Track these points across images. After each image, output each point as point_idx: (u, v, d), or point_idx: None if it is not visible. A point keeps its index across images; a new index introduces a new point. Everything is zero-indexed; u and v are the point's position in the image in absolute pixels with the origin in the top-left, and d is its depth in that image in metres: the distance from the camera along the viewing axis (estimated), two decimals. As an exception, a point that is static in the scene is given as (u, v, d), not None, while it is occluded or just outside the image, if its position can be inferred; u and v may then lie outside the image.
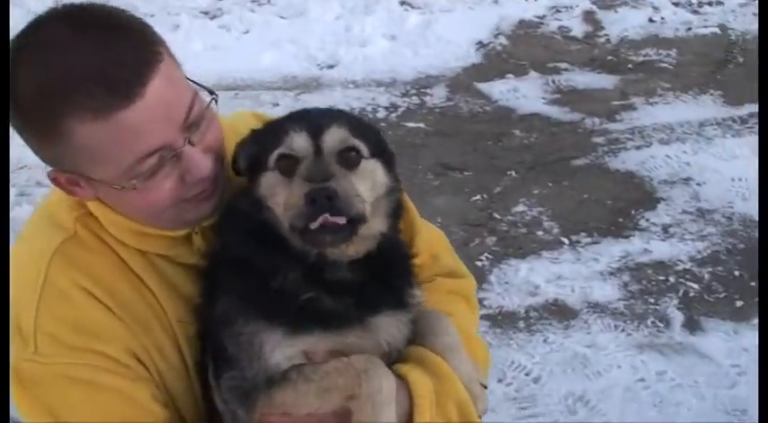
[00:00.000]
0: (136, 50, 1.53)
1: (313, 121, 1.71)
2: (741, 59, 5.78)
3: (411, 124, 5.12)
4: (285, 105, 5.32)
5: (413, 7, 6.41)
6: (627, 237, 4.07)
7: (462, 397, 1.75)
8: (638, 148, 4.80)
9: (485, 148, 4.85)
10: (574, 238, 4.08)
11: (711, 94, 5.38)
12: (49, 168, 1.63)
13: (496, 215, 4.28)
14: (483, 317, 3.64)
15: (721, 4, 6.58)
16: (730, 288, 3.76)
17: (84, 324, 1.66)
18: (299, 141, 1.66)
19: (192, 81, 1.67)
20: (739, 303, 3.66)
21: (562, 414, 3.22)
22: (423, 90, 5.50)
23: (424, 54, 5.88)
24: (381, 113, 5.25)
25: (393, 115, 5.24)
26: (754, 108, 5.00)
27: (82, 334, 1.65)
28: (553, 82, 5.54)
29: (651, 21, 6.33)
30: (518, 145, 4.87)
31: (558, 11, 6.46)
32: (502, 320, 3.63)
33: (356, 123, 1.77)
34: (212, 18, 6.52)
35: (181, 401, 1.78)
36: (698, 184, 4.45)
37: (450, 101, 5.36)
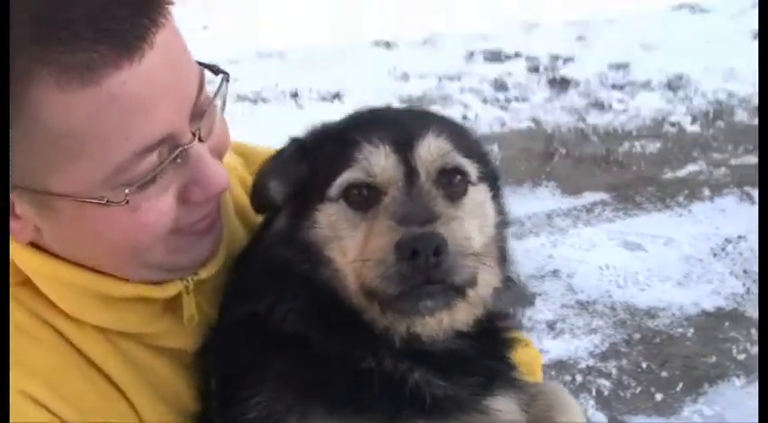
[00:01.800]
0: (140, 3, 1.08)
1: (398, 127, 1.24)
2: (563, 150, 5.74)
3: None
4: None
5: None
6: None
7: None
8: (496, 246, 4.55)
9: None
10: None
11: (546, 187, 5.28)
12: None
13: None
14: None
15: (526, 99, 6.62)
16: (643, 381, 3.52)
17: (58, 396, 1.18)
18: (379, 160, 1.20)
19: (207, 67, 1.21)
20: (659, 396, 3.42)
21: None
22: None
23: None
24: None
25: None
26: (595, 196, 4.96)
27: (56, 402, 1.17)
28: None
29: (465, 118, 6.23)
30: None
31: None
32: None
33: (456, 130, 1.30)
34: None
35: None
36: (568, 276, 4.25)
37: None
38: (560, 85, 6.78)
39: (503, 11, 8.45)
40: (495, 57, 7.57)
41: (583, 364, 3.63)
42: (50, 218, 1.16)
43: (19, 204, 1.15)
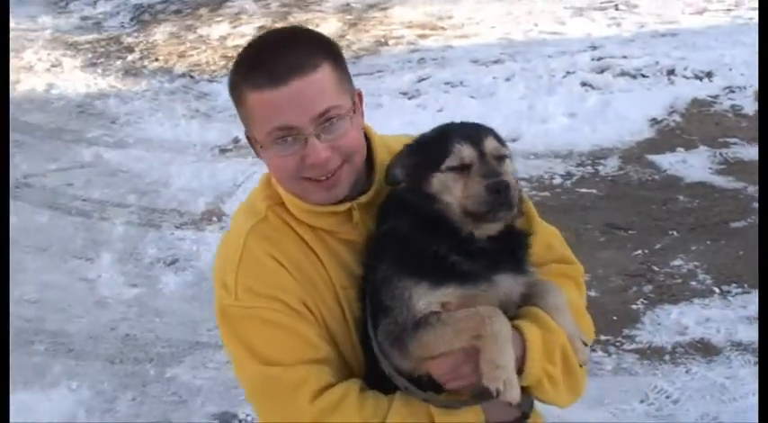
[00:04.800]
0: (298, 58, 2.07)
1: (472, 133, 2.19)
2: None
3: (583, 190, 5.64)
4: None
5: (593, 88, 6.96)
6: (776, 289, 4.41)
7: (566, 347, 2.14)
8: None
9: (650, 212, 5.29)
10: (725, 288, 4.45)
11: None
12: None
13: (655, 267, 4.70)
14: (633, 350, 4.08)
15: None
16: None
17: (269, 281, 2.19)
18: (468, 150, 2.13)
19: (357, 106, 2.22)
20: None
21: (696, 430, 3.65)
22: (597, 161, 6.01)
23: (601, 129, 6.39)
24: (557, 180, 5.79)
25: (568, 182, 5.78)
26: None
27: (268, 287, 2.18)
28: (721, 154, 5.92)
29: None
30: (681, 209, 5.29)
31: (732, 91, 6.85)
32: (650, 354, 4.04)
33: (496, 133, 2.24)
34: (410, 98, 7.29)
35: (342, 346, 2.24)
36: None
37: (622, 170, 5.84)
38: None
39: None
40: None
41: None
42: (261, 152, 2.15)
43: (255, 144, 2.15)
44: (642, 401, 3.76)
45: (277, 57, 2.10)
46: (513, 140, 6.44)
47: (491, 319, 2.03)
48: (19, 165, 7.08)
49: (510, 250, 2.18)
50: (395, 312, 2.12)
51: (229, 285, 2.20)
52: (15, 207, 6.27)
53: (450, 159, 2.12)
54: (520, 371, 2.07)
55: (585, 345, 2.23)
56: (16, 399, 4.19)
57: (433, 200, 2.14)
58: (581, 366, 2.21)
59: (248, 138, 2.23)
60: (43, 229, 5.99)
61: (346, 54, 7.89)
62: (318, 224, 2.24)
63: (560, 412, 3.59)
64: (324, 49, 2.16)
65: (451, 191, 2.12)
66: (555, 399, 2.21)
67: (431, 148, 2.18)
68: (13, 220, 6.02)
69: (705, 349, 4.04)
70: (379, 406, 2.16)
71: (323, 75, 2.09)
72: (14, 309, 4.93)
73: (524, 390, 2.09)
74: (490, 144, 2.15)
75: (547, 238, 2.44)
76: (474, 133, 2.20)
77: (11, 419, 4.05)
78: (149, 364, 4.37)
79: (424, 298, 2.08)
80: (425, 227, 2.16)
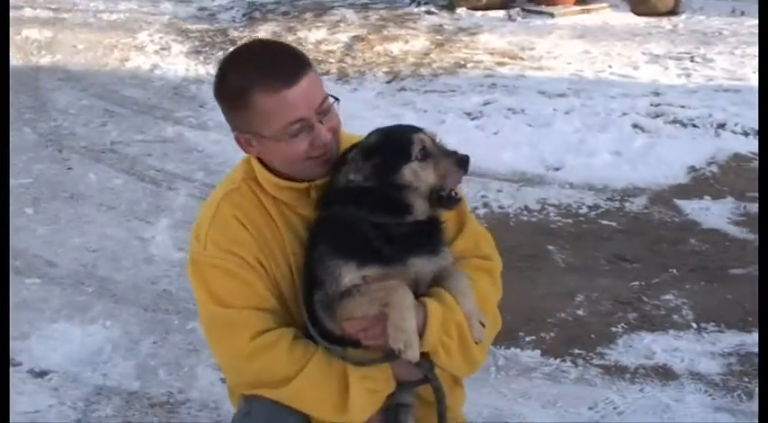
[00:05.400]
0: (295, 60, 2.48)
1: (415, 128, 2.56)
2: None
3: (604, 222, 6.01)
4: (507, 193, 6.46)
5: (643, 131, 7.32)
6: (750, 331, 4.72)
7: (462, 324, 2.51)
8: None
9: (659, 249, 5.63)
10: (703, 325, 4.73)
11: None
12: (235, 133, 2.55)
13: (644, 298, 5.03)
14: (599, 366, 4.42)
15: None
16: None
17: (233, 238, 2.58)
18: (426, 138, 2.50)
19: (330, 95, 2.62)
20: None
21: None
22: (626, 197, 6.37)
23: (640, 170, 6.73)
24: (583, 210, 6.17)
25: (592, 213, 6.15)
26: None
27: (230, 243, 2.57)
28: (744, 207, 6.19)
29: None
30: (689, 251, 5.60)
31: (774, 150, 7.10)
32: (614, 371, 4.38)
33: None
34: (472, 119, 7.77)
35: (289, 302, 2.63)
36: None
37: (647, 209, 6.18)
38: None
39: None
40: None
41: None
42: (263, 146, 2.51)
43: (253, 141, 2.50)
44: (590, 408, 4.12)
45: (282, 62, 2.49)
46: (556, 169, 6.87)
47: (397, 292, 2.42)
48: (110, 132, 7.86)
49: (427, 235, 2.57)
50: (326, 285, 2.50)
51: (201, 238, 2.62)
52: (97, 168, 7.04)
53: (415, 150, 2.47)
54: (420, 338, 2.46)
55: (483, 325, 2.59)
56: (59, 326, 4.86)
57: (403, 188, 2.50)
58: (476, 343, 2.59)
59: (238, 135, 2.60)
60: (116, 191, 6.69)
61: (426, 71, 8.59)
62: (282, 197, 2.64)
63: (514, 409, 4.06)
64: (303, 54, 2.63)
65: (423, 176, 2.48)
66: (450, 366, 2.62)
67: (389, 147, 2.54)
68: (92, 178, 6.77)
69: (665, 374, 4.37)
70: (305, 353, 2.55)
71: (314, 73, 2.52)
72: (75, 254, 5.64)
73: (424, 355, 2.50)
74: (430, 133, 2.57)
75: (476, 237, 2.81)
76: (416, 128, 2.61)
77: (50, 341, 4.73)
78: (176, 315, 4.95)
79: (350, 275, 2.46)
80: (370, 213, 2.51)
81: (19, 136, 7.73)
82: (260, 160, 2.63)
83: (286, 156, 2.55)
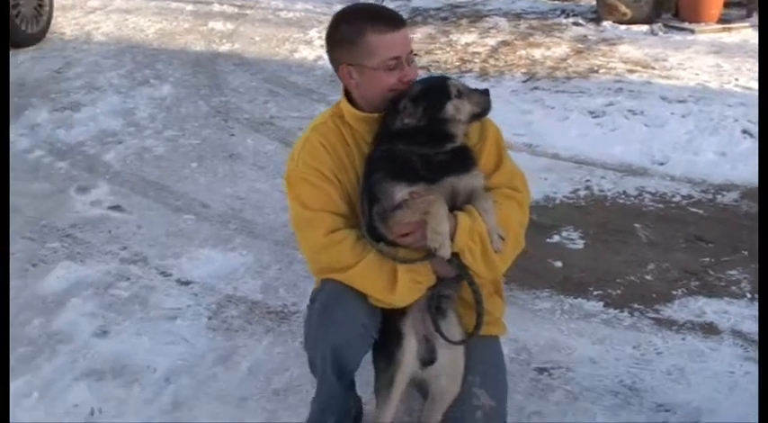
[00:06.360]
0: (396, 15, 3.13)
1: (449, 77, 3.31)
2: None
3: (693, 209, 6.48)
4: (609, 180, 7.12)
5: (751, 136, 7.78)
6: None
7: (484, 234, 3.05)
8: None
9: (738, 235, 6.00)
10: (758, 296, 5.33)
11: None
12: (340, 67, 3.14)
13: (711, 272, 5.55)
14: (652, 318, 4.98)
15: None
16: None
17: (317, 159, 3.20)
18: (459, 82, 3.24)
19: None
20: None
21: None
22: (719, 191, 6.84)
23: (740, 169, 7.16)
24: (676, 199, 6.71)
25: (684, 202, 6.63)
26: None
27: (315, 162, 3.20)
28: (831, 207, 6.62)
29: None
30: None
31: None
32: (663, 323, 4.89)
33: None
34: (594, 117, 8.42)
35: (357, 211, 3.20)
36: None
37: (736, 203, 6.62)
38: None
39: None
40: None
41: None
42: (362, 76, 3.05)
43: (354, 73, 3.08)
44: (634, 347, 4.69)
45: (388, 14, 3.17)
46: (661, 164, 7.42)
47: (435, 203, 3.00)
48: (270, 108, 8.93)
49: (459, 160, 3.17)
50: (382, 201, 3.09)
51: (294, 159, 3.27)
52: (255, 136, 8.09)
53: (452, 90, 3.14)
54: (451, 241, 3.04)
55: (502, 238, 3.15)
56: (205, 251, 5.88)
57: (447, 122, 3.15)
58: (495, 252, 3.14)
59: (343, 67, 3.15)
60: (268, 154, 7.70)
61: (560, 74, 9.36)
62: (358, 128, 3.25)
63: (567, 342, 4.73)
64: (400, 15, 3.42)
65: (462, 108, 3.15)
66: (474, 266, 3.16)
67: (432, 92, 3.17)
68: (249, 143, 7.86)
69: (709, 329, 4.87)
70: (365, 249, 3.14)
71: (408, 30, 3.19)
72: (226, 200, 6.68)
73: (455, 255, 3.10)
74: (456, 80, 3.22)
75: (511, 174, 3.35)
76: (446, 76, 3.42)
77: (196, 261, 5.76)
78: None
79: (401, 192, 3.04)
80: (417, 146, 3.13)
81: (194, 107, 8.92)
82: (347, 99, 3.29)
83: (379, 84, 3.15)
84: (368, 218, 3.21)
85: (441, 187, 3.13)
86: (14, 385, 4.30)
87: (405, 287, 3.26)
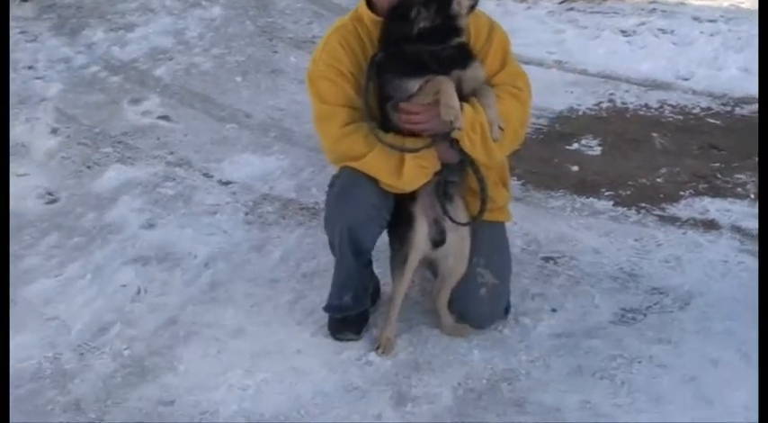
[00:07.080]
0: None
1: None
2: None
3: (710, 120, 6.71)
4: (633, 93, 7.40)
5: (777, 52, 7.97)
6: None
7: (484, 124, 3.42)
8: None
9: (751, 142, 6.13)
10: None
11: None
12: None
13: (719, 175, 5.84)
14: (656, 215, 5.36)
15: None
16: None
17: (336, 57, 3.57)
18: None
19: None
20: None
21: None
22: (738, 104, 7.02)
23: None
24: (696, 111, 6.94)
25: (702, 113, 6.83)
26: None
27: (334, 61, 3.57)
28: None
29: None
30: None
31: None
32: (667, 220, 5.23)
33: None
34: (625, 36, 8.65)
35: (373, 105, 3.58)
36: None
37: (753, 114, 6.78)
38: None
39: None
40: None
41: None
42: None
43: None
44: (636, 240, 5.06)
45: None
46: (685, 79, 7.67)
47: (444, 82, 3.39)
48: (313, 29, 8.71)
49: (461, 55, 3.56)
50: (395, 95, 3.49)
51: (315, 59, 3.66)
52: (297, 53, 8.16)
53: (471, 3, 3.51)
54: None
55: (501, 129, 3.49)
56: (245, 156, 6.35)
57: (455, 17, 3.51)
58: (494, 141, 3.49)
59: None
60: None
61: None
62: (374, 30, 3.58)
63: (574, 235, 5.08)
64: None
65: (463, 2, 3.48)
66: (474, 152, 3.53)
67: None
68: (291, 60, 8.18)
69: (710, 225, 5.17)
70: (376, 139, 3.50)
71: None
72: (267, 111, 7.11)
73: (457, 143, 3.52)
74: None
75: (514, 75, 3.66)
76: None
77: (236, 165, 6.22)
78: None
79: (413, 83, 3.45)
80: (427, 44, 3.49)
81: (241, 27, 9.31)
82: (367, 3, 3.62)
83: None
84: (378, 112, 3.58)
85: (451, 75, 3.51)
86: (69, 268, 4.84)
87: (411, 172, 3.64)
